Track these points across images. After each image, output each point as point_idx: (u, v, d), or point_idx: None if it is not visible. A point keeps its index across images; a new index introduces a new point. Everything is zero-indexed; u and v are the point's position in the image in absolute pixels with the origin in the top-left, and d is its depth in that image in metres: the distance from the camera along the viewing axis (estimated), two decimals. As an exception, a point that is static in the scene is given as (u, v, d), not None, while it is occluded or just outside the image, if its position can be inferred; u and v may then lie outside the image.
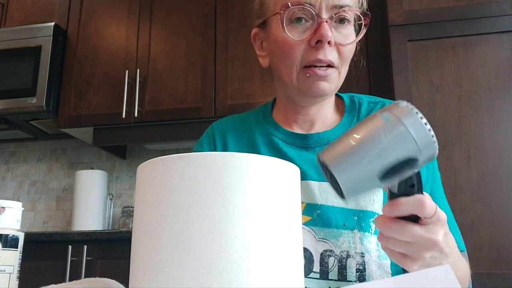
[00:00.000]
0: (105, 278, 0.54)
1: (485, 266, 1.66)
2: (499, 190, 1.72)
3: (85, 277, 0.53)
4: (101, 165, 2.79)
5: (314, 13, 0.71)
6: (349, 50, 0.75)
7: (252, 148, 0.82)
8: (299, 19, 0.72)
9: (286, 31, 0.72)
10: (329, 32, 0.70)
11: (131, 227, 2.29)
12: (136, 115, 2.36)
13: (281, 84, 0.80)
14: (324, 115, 0.82)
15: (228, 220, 0.34)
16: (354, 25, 0.75)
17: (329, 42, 0.71)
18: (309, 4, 0.71)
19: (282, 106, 0.85)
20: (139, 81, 2.41)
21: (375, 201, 0.73)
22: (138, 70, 2.43)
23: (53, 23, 2.51)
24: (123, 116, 2.36)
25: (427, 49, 1.90)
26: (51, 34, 2.49)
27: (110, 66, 2.50)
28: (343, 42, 0.73)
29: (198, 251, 0.33)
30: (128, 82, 2.41)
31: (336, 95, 0.86)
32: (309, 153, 0.78)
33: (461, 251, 0.74)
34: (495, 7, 1.88)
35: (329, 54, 0.71)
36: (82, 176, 2.58)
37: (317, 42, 0.71)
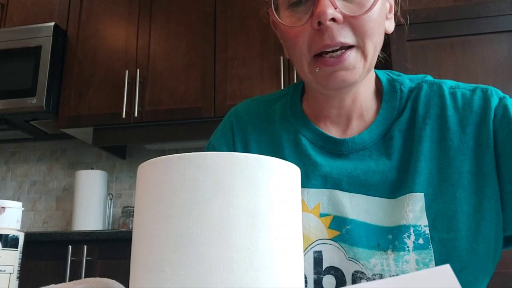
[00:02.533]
0: (105, 278, 0.54)
1: (484, 266, 1.66)
2: (499, 190, 1.72)
3: (85, 277, 0.53)
4: (101, 165, 2.79)
5: None
6: (369, 21, 0.57)
7: (275, 149, 0.70)
8: (296, 2, 0.59)
9: (283, 17, 0.60)
10: (328, 7, 0.55)
11: (131, 227, 2.29)
12: (136, 115, 2.36)
13: (302, 78, 0.66)
14: (362, 105, 0.67)
15: (228, 220, 0.34)
16: None
17: (334, 20, 0.56)
18: None
19: (312, 99, 0.70)
20: (139, 81, 2.41)
21: (407, 211, 0.59)
22: (138, 70, 2.43)
23: (53, 23, 2.51)
24: (123, 116, 2.36)
25: (426, 49, 1.90)
26: (51, 34, 2.49)
27: (110, 66, 2.50)
28: (356, 12, 0.56)
29: (198, 251, 0.33)
30: (128, 82, 2.41)
31: (375, 74, 0.71)
32: (341, 160, 0.65)
33: None
34: (494, 7, 1.88)
35: (339, 34, 0.56)
36: (82, 176, 2.58)
37: (319, 24, 0.56)
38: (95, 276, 0.53)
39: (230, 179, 0.35)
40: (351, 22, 0.57)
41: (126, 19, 2.55)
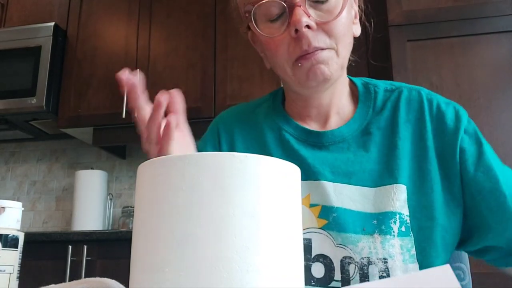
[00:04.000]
0: (105, 278, 0.54)
1: (485, 266, 1.66)
2: (499, 190, 1.72)
3: (85, 277, 0.53)
4: (101, 165, 2.79)
5: (282, 1, 0.64)
6: (339, 25, 0.65)
7: (261, 146, 0.76)
8: (274, 16, 0.66)
9: (263, 30, 0.67)
10: (303, 16, 0.62)
11: (131, 227, 2.29)
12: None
13: (285, 83, 0.75)
14: (338, 105, 0.74)
15: (228, 220, 0.34)
16: None
17: (308, 27, 0.63)
18: None
19: (293, 102, 0.77)
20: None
21: (394, 200, 0.65)
22: (138, 71, 2.43)
23: (53, 23, 2.51)
24: (123, 116, 2.36)
25: (426, 49, 1.90)
26: (51, 35, 2.49)
27: (109, 66, 2.50)
28: (327, 19, 0.64)
29: (198, 251, 0.33)
30: (128, 82, 2.41)
31: (350, 80, 0.78)
32: (323, 152, 0.71)
33: None
34: (493, 8, 1.88)
35: (315, 39, 0.64)
36: (82, 176, 2.58)
37: (296, 31, 0.63)
38: (95, 276, 0.53)
39: (230, 179, 0.35)
40: (323, 28, 0.64)
41: (126, 19, 2.55)
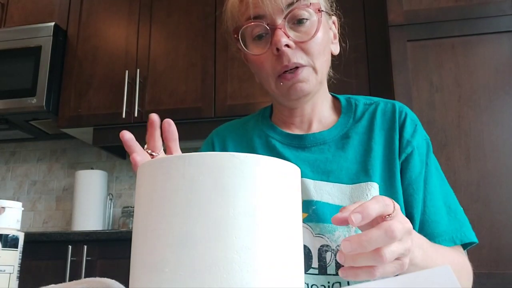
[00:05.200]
0: (105, 278, 0.54)
1: (485, 266, 1.66)
2: (499, 190, 1.72)
3: (85, 277, 0.53)
4: (101, 165, 2.79)
5: (265, 25, 0.73)
6: (315, 45, 0.74)
7: (250, 150, 0.84)
8: (259, 36, 0.75)
9: (249, 49, 0.77)
10: (282, 37, 0.72)
11: (131, 227, 2.29)
12: (136, 115, 2.36)
13: (271, 95, 0.83)
14: (320, 114, 0.83)
15: (228, 220, 0.34)
16: (316, 16, 0.76)
17: (288, 46, 0.72)
18: (257, 17, 0.73)
19: (279, 113, 0.87)
20: (139, 81, 2.42)
21: (368, 195, 0.73)
22: (138, 70, 2.43)
23: (53, 23, 2.51)
24: (123, 116, 2.36)
25: (427, 49, 1.90)
26: (51, 34, 2.49)
27: (110, 66, 2.50)
28: (304, 39, 0.73)
29: (198, 251, 0.33)
30: (128, 82, 2.41)
31: (334, 96, 0.88)
32: (305, 153, 0.80)
33: (468, 244, 0.78)
34: (494, 8, 1.88)
35: (294, 57, 0.73)
36: (82, 176, 2.58)
37: (277, 50, 0.72)
38: (95, 276, 0.53)
39: (230, 179, 0.35)
40: (301, 46, 0.74)
41: (126, 19, 2.55)
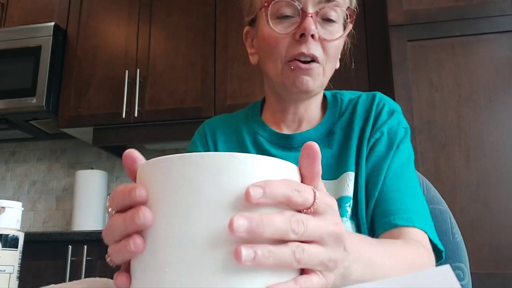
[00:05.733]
0: (105, 278, 0.54)
1: (485, 266, 1.66)
2: (499, 190, 1.72)
3: (85, 277, 0.53)
4: (101, 165, 2.79)
5: (299, 8, 0.71)
6: (335, 47, 0.74)
7: (240, 147, 0.84)
8: (285, 16, 0.73)
9: (271, 25, 0.73)
10: (313, 25, 0.70)
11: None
12: (136, 115, 2.36)
13: (269, 81, 0.81)
14: (311, 115, 0.83)
15: (228, 220, 0.34)
16: (344, 24, 0.76)
17: (312, 36, 0.71)
18: None
19: (270, 106, 0.85)
20: (139, 81, 2.42)
21: (349, 185, 0.73)
22: (138, 70, 2.43)
23: (53, 23, 2.51)
24: (123, 116, 2.36)
25: (427, 49, 1.90)
26: (51, 34, 2.49)
27: (110, 66, 2.50)
28: (328, 38, 0.73)
29: (198, 251, 0.33)
30: (128, 82, 2.41)
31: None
32: (292, 153, 0.79)
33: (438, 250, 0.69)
34: (494, 7, 1.88)
35: (313, 48, 0.72)
36: (82, 176, 2.58)
37: (301, 36, 0.71)
38: (95, 276, 0.53)
39: (230, 179, 0.35)
40: (322, 43, 0.73)
41: (126, 18, 2.55)
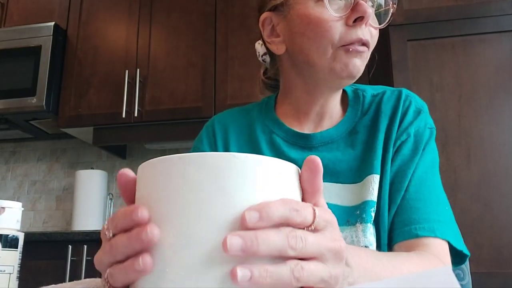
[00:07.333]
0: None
1: (485, 266, 1.66)
2: (499, 190, 1.72)
3: (85, 277, 0.53)
4: (101, 165, 2.79)
5: None
6: (376, 36, 0.71)
7: (253, 147, 0.79)
8: None
9: (327, 6, 0.66)
10: (369, 9, 0.67)
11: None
12: (136, 115, 2.36)
13: (303, 70, 0.74)
14: (333, 108, 0.78)
15: (228, 220, 0.34)
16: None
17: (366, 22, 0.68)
18: None
19: (296, 99, 0.79)
20: (139, 81, 2.41)
21: (374, 189, 0.69)
22: (138, 70, 2.43)
23: (53, 23, 2.51)
24: (123, 116, 2.36)
25: (427, 48, 1.90)
26: (51, 34, 2.49)
27: (110, 66, 2.50)
28: (375, 25, 0.70)
29: (198, 251, 0.33)
30: (128, 82, 2.41)
31: None
32: (312, 153, 0.73)
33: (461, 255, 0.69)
34: (495, 7, 1.88)
35: (367, 33, 0.68)
36: (82, 176, 2.58)
37: (355, 20, 0.67)
38: (95, 276, 0.53)
39: (230, 179, 0.35)
40: (370, 29, 0.69)
41: (126, 18, 2.55)
